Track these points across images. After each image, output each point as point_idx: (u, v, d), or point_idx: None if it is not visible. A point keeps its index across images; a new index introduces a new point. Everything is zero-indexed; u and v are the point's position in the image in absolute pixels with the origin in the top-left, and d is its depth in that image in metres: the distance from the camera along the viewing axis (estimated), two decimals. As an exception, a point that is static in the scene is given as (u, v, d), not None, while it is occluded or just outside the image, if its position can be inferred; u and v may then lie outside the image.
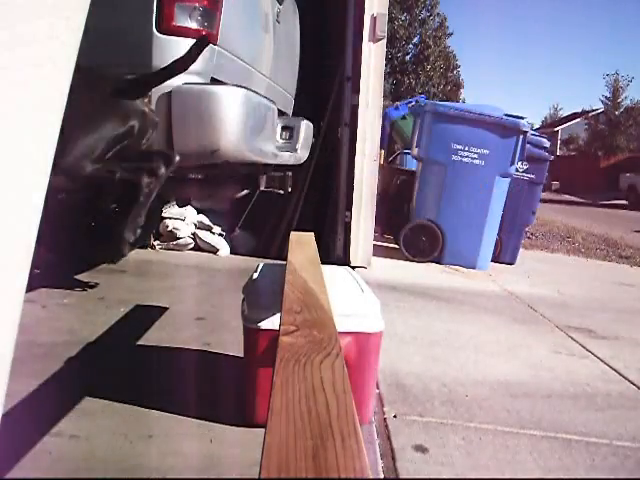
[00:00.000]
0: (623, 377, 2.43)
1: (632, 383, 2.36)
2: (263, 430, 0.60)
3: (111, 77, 1.62)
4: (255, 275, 1.87)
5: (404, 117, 8.48)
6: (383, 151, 7.74)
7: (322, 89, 4.54)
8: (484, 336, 2.84)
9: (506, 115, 4.72)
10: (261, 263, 2.02)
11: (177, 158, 1.65)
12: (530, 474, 1.56)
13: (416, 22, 25.10)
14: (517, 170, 4.99)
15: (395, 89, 24.34)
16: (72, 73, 0.57)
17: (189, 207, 4.41)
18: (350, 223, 4.09)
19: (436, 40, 24.98)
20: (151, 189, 1.60)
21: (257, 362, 1.59)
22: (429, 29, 25.10)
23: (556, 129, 33.70)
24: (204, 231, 4.45)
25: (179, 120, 1.78)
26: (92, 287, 3.06)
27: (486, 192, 4.71)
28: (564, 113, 40.74)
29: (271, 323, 1.52)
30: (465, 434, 1.73)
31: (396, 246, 5.08)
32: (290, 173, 2.91)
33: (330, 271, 1.85)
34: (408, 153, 6.56)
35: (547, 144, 5.22)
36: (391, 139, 8.89)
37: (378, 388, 1.95)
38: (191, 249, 4.41)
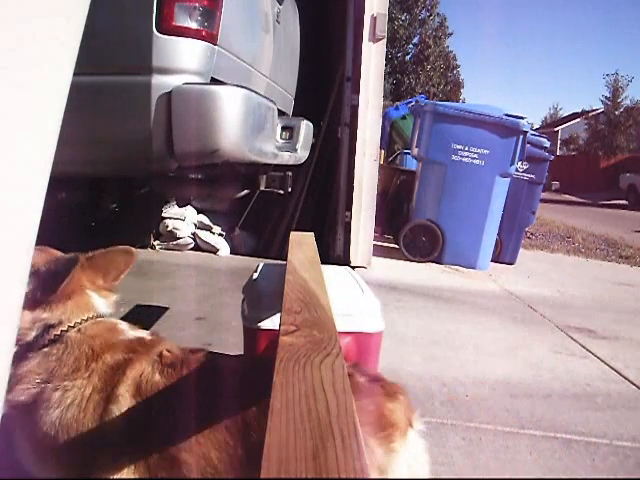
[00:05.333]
0: (623, 377, 2.43)
1: (632, 383, 2.36)
2: (263, 430, 0.60)
3: None
4: (255, 275, 1.87)
5: (404, 117, 8.48)
6: (383, 151, 7.75)
7: (322, 89, 4.54)
8: (484, 336, 2.84)
9: (506, 115, 4.72)
10: (261, 263, 2.02)
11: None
12: (530, 474, 1.56)
13: (416, 22, 25.08)
14: (517, 170, 4.99)
15: (395, 89, 24.32)
16: (72, 73, 0.57)
17: (189, 207, 4.41)
18: (350, 223, 4.09)
19: (436, 40, 24.97)
20: None
21: (257, 362, 1.59)
22: (429, 29, 25.08)
23: (556, 129, 33.64)
24: (204, 231, 4.45)
25: (179, 120, 1.78)
26: (92, 287, 3.06)
27: (486, 192, 4.71)
28: (564, 113, 40.73)
29: (271, 323, 1.52)
30: (465, 434, 1.73)
31: (396, 246, 5.07)
32: (290, 173, 2.91)
33: (330, 271, 1.85)
34: (408, 153, 6.56)
35: (547, 144, 5.22)
36: (391, 139, 8.89)
37: (378, 388, 1.95)
38: (191, 249, 4.41)
